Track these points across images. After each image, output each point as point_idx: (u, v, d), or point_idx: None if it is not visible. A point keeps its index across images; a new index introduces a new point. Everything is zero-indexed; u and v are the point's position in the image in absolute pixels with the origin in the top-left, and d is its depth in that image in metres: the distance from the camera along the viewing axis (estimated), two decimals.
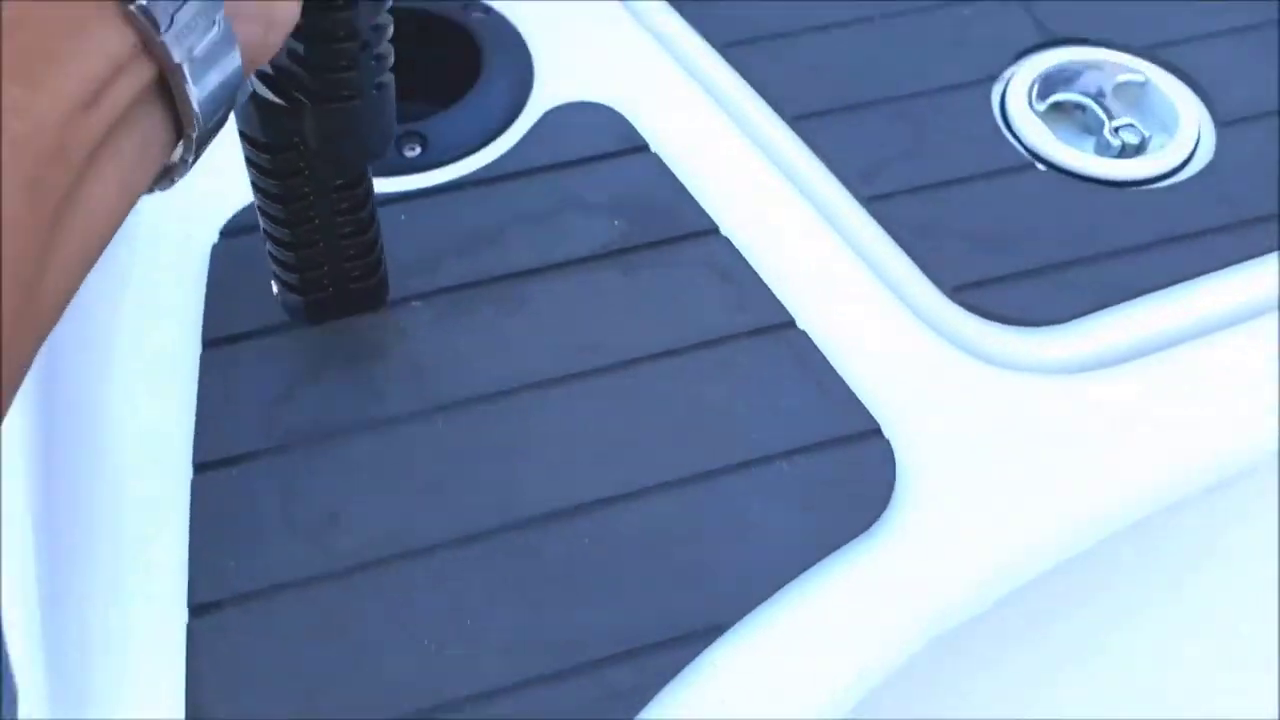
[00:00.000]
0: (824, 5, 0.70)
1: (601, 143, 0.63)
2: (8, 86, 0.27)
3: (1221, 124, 0.65)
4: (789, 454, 0.51)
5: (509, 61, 0.67)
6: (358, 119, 0.46)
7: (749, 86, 0.66)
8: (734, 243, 0.59)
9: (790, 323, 0.56)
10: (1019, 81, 0.66)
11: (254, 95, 0.45)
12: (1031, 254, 0.59)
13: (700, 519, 0.49)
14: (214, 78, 0.33)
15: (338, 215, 0.50)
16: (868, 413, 0.52)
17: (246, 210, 0.58)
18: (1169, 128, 0.65)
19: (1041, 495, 0.51)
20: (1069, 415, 0.54)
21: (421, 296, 0.57)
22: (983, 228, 0.60)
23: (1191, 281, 0.58)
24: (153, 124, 0.32)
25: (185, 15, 0.31)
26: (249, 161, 0.48)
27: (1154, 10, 0.70)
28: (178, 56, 0.31)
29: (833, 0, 0.70)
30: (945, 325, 0.57)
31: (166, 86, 0.32)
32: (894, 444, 0.52)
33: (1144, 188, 0.62)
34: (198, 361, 0.54)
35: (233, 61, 0.33)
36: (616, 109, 0.64)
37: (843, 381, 0.54)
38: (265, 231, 0.51)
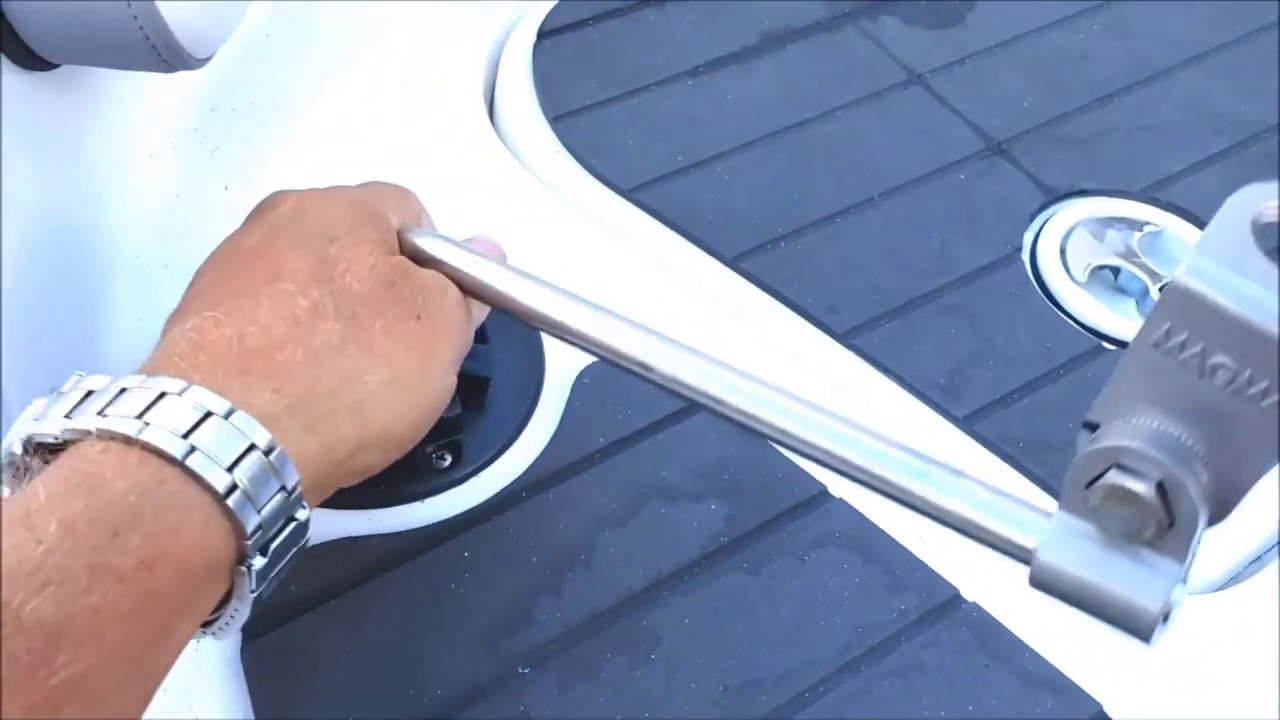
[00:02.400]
0: (813, 193, 0.64)
1: (654, 403, 0.54)
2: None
3: None
4: None
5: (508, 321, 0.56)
6: None
7: (781, 305, 0.59)
8: (850, 504, 0.51)
9: (956, 596, 0.49)
10: (1046, 250, 0.63)
11: None
12: None
13: None
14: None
15: None
16: (1087, 695, 0.46)
17: None
18: None
19: None
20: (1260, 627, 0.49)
21: (529, 660, 0.46)
22: None
23: None
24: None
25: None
26: None
27: (1134, 150, 0.68)
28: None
29: (815, 184, 0.64)
30: None
31: None
32: None
33: None
34: None
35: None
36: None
37: (1040, 658, 0.47)
38: None
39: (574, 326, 0.42)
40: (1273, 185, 0.30)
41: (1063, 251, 0.62)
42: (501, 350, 0.55)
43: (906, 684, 0.46)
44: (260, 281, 0.40)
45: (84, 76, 0.58)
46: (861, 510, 0.51)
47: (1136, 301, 0.62)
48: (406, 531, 0.49)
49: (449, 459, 0.51)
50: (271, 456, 0.35)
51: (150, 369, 0.36)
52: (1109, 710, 0.46)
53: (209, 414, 0.34)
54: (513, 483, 0.51)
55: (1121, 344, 0.59)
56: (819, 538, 0.50)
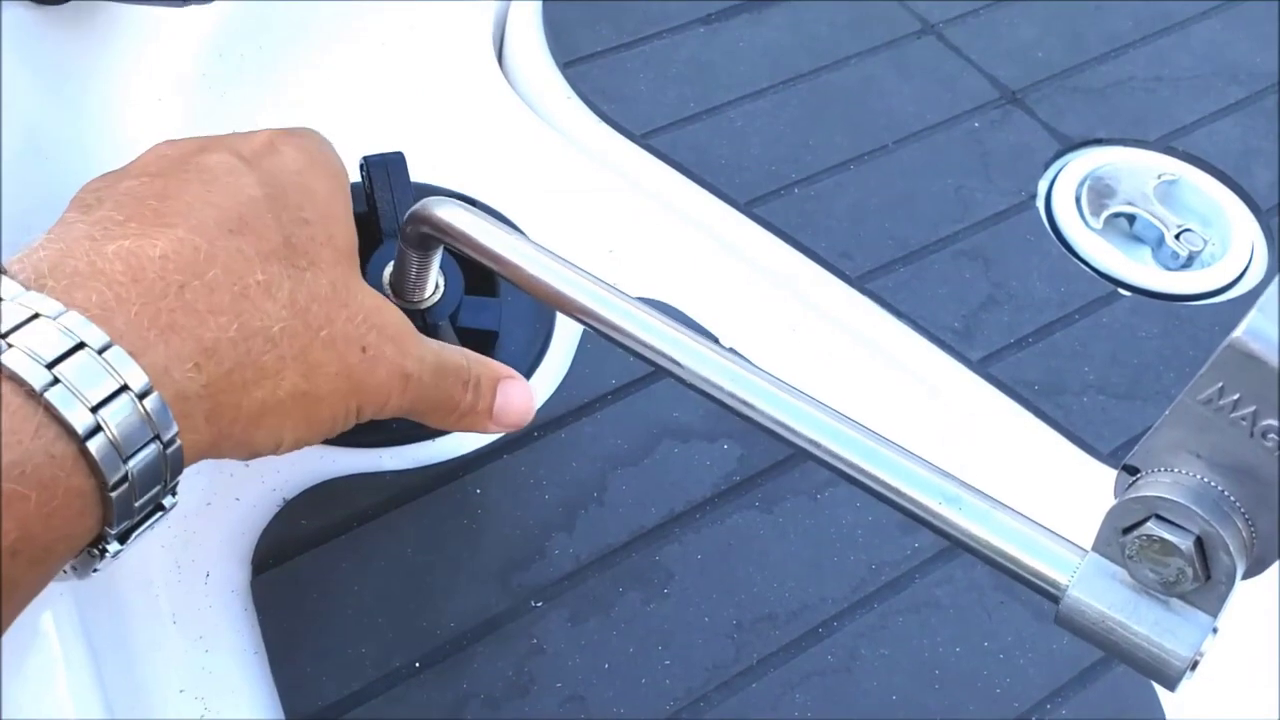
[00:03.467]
0: (827, 141, 0.63)
1: None
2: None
3: (1262, 212, 0.63)
4: (1043, 704, 0.44)
5: None
6: None
7: (795, 250, 0.59)
8: None
9: None
10: (1061, 197, 0.62)
11: None
12: (1163, 398, 0.54)
13: None
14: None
15: None
16: None
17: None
18: (1210, 221, 0.63)
19: None
20: None
21: (542, 594, 0.46)
22: (1104, 375, 0.55)
23: None
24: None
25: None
26: None
27: (1150, 100, 0.67)
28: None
29: (829, 132, 0.64)
30: None
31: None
32: None
33: (1225, 297, 0.59)
34: None
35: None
36: (666, 300, 0.55)
37: None
38: None
39: (593, 309, 0.40)
40: None
41: (1078, 199, 0.62)
42: (514, 291, 0.54)
43: (921, 620, 0.46)
44: (217, 224, 0.36)
45: (94, 14, 0.58)
46: None
47: (1152, 248, 0.62)
48: (418, 469, 0.49)
49: None
50: (170, 451, 0.33)
51: (70, 278, 0.33)
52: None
53: (125, 388, 0.31)
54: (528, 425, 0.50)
55: (1137, 289, 0.58)
56: (831, 477, 0.49)
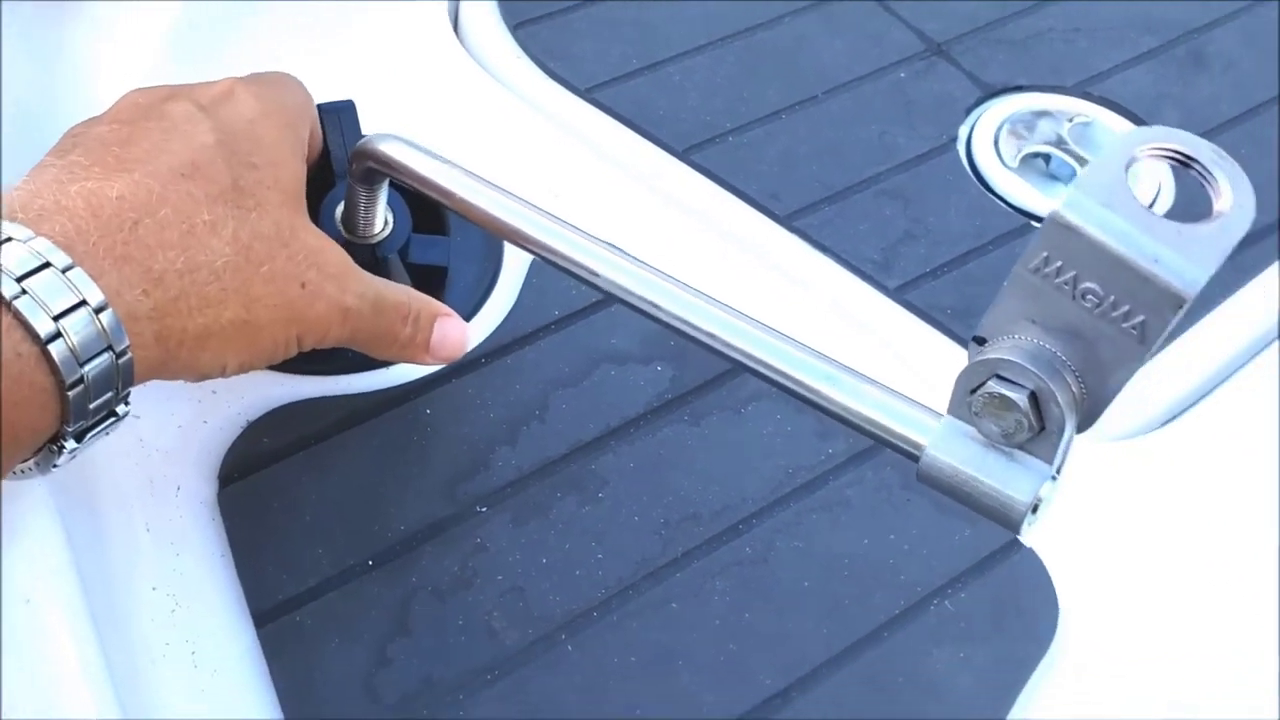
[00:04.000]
0: (760, 93, 0.67)
1: None
2: None
3: None
4: (944, 589, 0.48)
5: None
6: None
7: (726, 192, 0.63)
8: None
9: None
10: (980, 139, 0.66)
11: None
12: None
13: (886, 691, 0.45)
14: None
15: None
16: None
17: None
18: None
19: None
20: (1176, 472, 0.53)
21: (486, 501, 0.50)
22: None
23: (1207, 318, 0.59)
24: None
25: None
26: None
27: (1069, 49, 0.71)
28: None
29: (763, 85, 0.68)
30: None
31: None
32: (1036, 549, 0.50)
33: None
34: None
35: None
36: (607, 239, 0.59)
37: None
38: None
39: (535, 236, 0.44)
40: (1151, 130, 0.33)
41: (996, 140, 0.66)
42: (463, 229, 0.58)
43: (832, 517, 0.50)
44: (171, 169, 0.40)
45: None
46: None
47: (1066, 185, 0.65)
48: (371, 393, 0.52)
49: None
50: (121, 361, 0.37)
51: (38, 212, 0.37)
52: (1023, 538, 0.50)
53: (83, 303, 0.36)
54: (472, 351, 0.54)
55: None
56: (756, 393, 0.54)
